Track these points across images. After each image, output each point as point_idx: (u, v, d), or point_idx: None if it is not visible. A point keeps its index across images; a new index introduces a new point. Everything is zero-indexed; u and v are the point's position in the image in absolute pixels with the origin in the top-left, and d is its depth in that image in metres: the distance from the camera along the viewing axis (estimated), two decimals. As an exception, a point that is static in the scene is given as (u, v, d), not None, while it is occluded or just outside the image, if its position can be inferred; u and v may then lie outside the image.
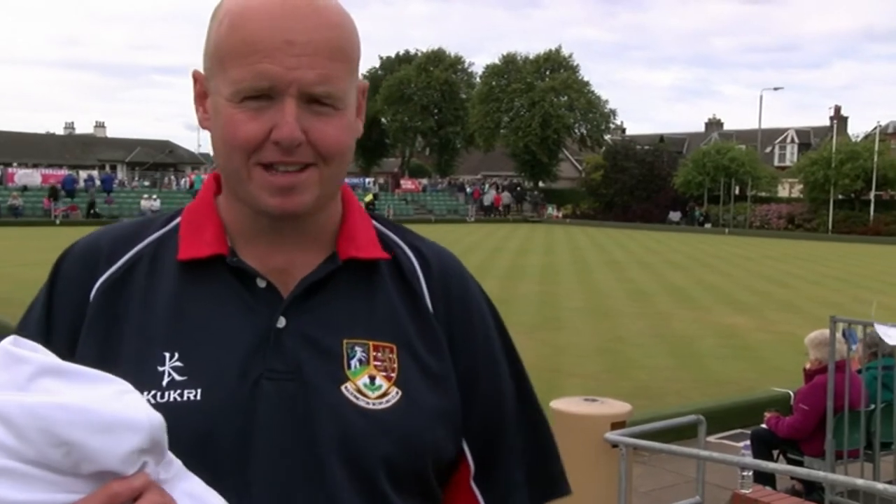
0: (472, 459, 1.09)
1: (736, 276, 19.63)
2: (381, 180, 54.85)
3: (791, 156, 55.85)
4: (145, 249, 1.07)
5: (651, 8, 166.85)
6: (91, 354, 1.00)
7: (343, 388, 0.99)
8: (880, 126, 47.10)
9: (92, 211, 38.30)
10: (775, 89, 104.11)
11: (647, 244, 29.01)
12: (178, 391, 0.97)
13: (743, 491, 4.23)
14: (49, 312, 1.05)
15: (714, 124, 65.05)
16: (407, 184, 53.39)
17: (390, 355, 1.03)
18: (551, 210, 50.98)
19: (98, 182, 42.16)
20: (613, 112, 56.12)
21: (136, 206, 40.33)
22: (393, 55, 64.32)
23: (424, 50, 61.67)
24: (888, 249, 30.31)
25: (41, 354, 0.84)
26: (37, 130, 66.12)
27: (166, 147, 64.14)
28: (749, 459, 4.61)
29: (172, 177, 49.96)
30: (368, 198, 47.25)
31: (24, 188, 39.53)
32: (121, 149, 61.63)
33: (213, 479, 0.90)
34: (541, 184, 55.86)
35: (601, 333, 11.63)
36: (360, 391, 1.00)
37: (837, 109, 56.52)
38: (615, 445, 4.42)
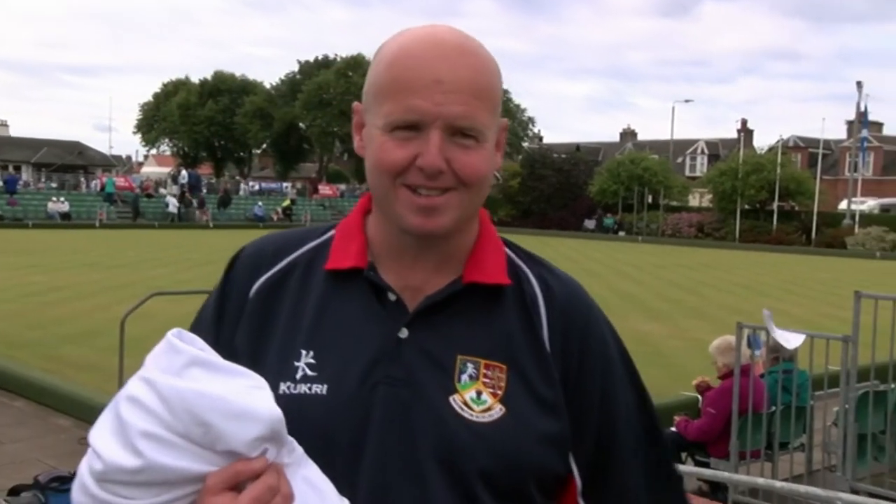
0: (579, 478, 1.15)
1: (649, 283, 20.15)
2: (299, 185, 54.29)
3: (701, 166, 57.63)
4: (302, 257, 1.20)
5: (569, 21, 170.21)
6: (245, 345, 1.14)
7: (451, 399, 1.08)
8: (782, 140, 49.18)
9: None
10: (686, 101, 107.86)
11: (564, 252, 29.50)
12: (308, 385, 1.09)
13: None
14: (220, 308, 1.19)
15: (628, 134, 66.49)
16: (325, 189, 52.90)
17: (500, 374, 1.10)
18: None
19: None
20: (531, 120, 57.12)
21: (42, 209, 38.93)
22: (312, 60, 63.86)
23: (344, 55, 61.46)
24: (789, 258, 31.71)
25: (194, 348, 0.95)
26: (-65, 128, 62.95)
27: (76, 148, 62.07)
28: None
29: (83, 179, 48.34)
30: (286, 203, 46.63)
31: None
32: (26, 149, 59.32)
33: (325, 470, 1.00)
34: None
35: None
36: (466, 404, 1.08)
37: (744, 123, 58.62)
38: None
